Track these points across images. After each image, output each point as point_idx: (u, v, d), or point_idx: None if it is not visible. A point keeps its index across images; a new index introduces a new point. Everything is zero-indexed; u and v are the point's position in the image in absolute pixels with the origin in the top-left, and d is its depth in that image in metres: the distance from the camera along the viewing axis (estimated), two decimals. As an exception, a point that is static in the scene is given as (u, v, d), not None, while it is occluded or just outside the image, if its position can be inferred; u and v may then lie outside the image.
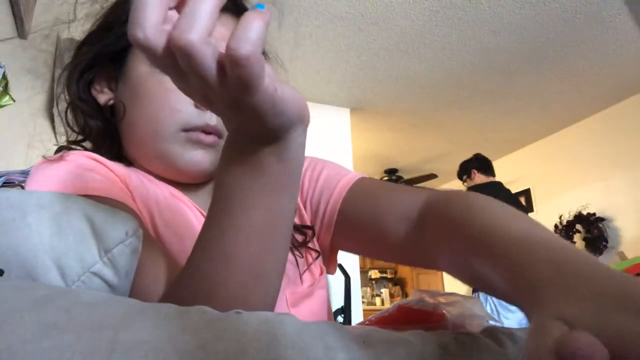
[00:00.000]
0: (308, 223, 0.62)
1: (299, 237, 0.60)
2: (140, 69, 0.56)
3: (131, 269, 0.39)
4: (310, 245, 0.61)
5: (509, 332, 0.35)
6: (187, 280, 0.39)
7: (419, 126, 4.12)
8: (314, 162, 0.65)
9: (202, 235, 0.39)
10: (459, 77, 3.36)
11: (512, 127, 4.16)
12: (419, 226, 0.48)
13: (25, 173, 0.54)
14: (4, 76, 1.23)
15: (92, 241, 0.37)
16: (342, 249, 0.63)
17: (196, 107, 0.55)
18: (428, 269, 0.55)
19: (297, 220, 0.61)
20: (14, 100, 1.27)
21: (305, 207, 0.63)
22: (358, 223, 0.56)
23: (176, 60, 0.29)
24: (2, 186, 0.47)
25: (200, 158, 0.56)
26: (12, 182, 0.50)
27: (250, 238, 0.37)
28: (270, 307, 0.40)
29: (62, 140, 0.62)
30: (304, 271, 0.60)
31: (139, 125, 0.57)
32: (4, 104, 1.27)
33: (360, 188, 0.58)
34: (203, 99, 0.33)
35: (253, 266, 0.37)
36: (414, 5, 2.63)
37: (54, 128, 1.66)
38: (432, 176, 4.77)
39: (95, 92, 0.60)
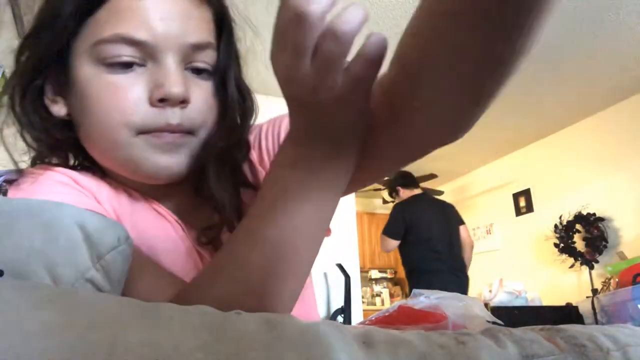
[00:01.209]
0: None
1: None
2: (84, 70, 0.48)
3: (122, 276, 0.39)
4: None
5: (509, 332, 0.35)
6: (234, 272, 0.41)
7: (419, 126, 4.12)
8: (276, 118, 0.59)
9: (249, 226, 0.41)
10: (459, 77, 3.36)
11: (512, 127, 4.16)
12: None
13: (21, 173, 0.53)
14: (4, 76, 1.23)
15: (85, 247, 0.36)
16: None
17: (152, 105, 0.47)
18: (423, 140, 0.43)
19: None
20: (14, 100, 1.27)
21: (264, 165, 0.58)
22: None
23: (312, 45, 0.31)
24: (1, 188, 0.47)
25: (166, 162, 0.49)
26: (9, 182, 0.49)
27: (297, 229, 0.40)
28: (294, 302, 0.43)
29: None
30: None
31: (94, 134, 0.50)
32: (3, 103, 1.27)
33: None
34: (309, 92, 0.34)
35: (300, 257, 0.41)
36: (414, 5, 2.63)
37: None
38: (432, 176, 4.77)
39: (48, 102, 0.52)
